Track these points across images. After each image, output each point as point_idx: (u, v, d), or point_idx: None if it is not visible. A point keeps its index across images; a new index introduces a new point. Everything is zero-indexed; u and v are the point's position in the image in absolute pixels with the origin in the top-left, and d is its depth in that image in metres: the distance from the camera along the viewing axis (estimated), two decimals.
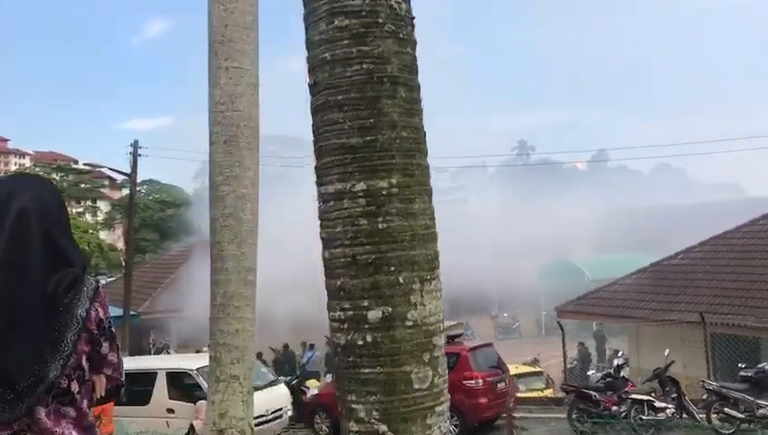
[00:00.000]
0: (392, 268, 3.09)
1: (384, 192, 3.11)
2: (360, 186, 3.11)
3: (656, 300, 19.40)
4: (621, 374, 13.28)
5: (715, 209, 31.10)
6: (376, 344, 3.08)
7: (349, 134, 3.14)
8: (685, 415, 12.38)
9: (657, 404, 12.16)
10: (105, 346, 1.93)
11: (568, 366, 22.27)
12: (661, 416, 12.17)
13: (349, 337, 3.14)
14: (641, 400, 12.19)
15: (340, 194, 3.17)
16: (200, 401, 10.72)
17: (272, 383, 13.28)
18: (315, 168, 3.32)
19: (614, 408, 12.66)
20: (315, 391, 15.77)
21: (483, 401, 13.36)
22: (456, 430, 13.39)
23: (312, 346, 22.20)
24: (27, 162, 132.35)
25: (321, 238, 3.29)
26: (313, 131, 3.32)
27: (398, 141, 3.15)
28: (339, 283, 3.19)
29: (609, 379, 13.30)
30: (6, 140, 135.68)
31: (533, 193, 39.39)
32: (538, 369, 19.36)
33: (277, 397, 12.98)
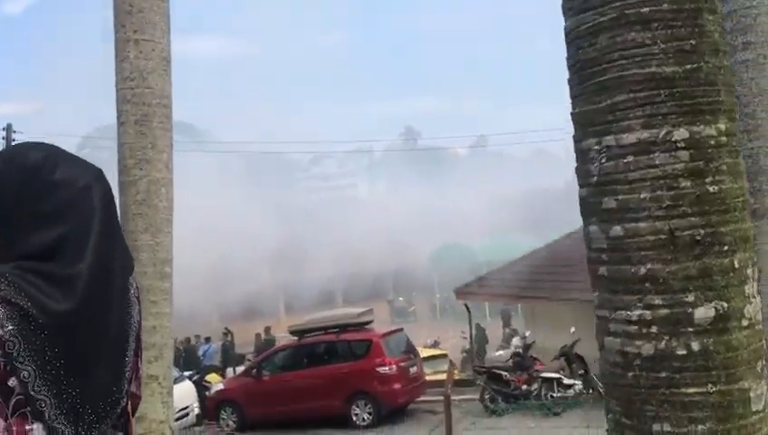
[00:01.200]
0: (725, 248, 2.35)
1: (712, 142, 2.37)
2: (681, 133, 2.35)
3: (552, 280, 20.00)
4: (529, 353, 13.56)
5: None
6: (706, 353, 2.33)
7: (661, 61, 2.37)
8: (591, 390, 12.80)
9: (566, 381, 12.51)
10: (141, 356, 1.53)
11: (467, 348, 22.75)
12: (570, 392, 12.53)
13: (660, 345, 2.36)
14: (550, 378, 12.50)
15: (647, 145, 2.38)
16: None
17: (176, 380, 12.52)
18: (579, 114, 2.56)
19: (524, 387, 12.92)
20: (219, 386, 15.12)
21: (397, 386, 13.27)
22: (372, 417, 13.24)
23: (207, 339, 21.40)
24: None
25: (604, 210, 2.46)
26: (590, 60, 2.50)
27: (722, 72, 2.44)
28: (642, 270, 2.38)
29: (518, 358, 13.57)
30: None
31: (420, 178, 39.93)
32: (442, 351, 19.54)
33: (183, 394, 12.30)
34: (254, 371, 14.73)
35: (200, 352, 21.21)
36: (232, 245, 25.23)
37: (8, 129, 20.65)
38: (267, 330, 22.26)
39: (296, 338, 14.80)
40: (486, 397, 12.94)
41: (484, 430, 12.00)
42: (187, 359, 20.26)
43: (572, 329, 13.57)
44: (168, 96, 6.99)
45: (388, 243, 30.98)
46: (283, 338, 22.69)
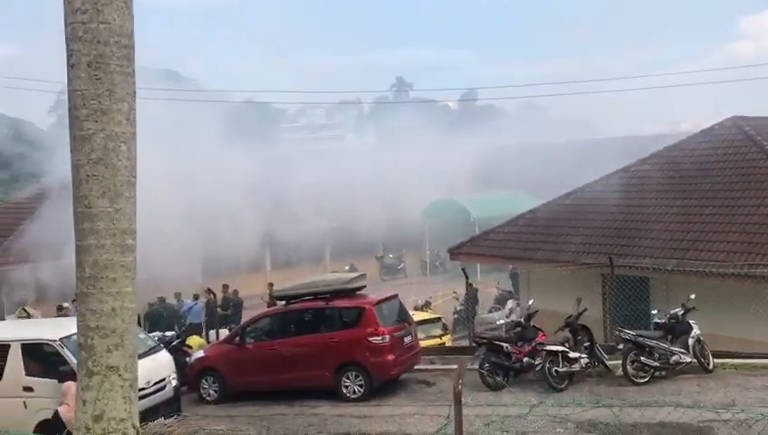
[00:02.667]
0: None
1: None
2: None
3: (550, 241, 19.16)
4: (532, 323, 12.71)
5: (582, 147, 31.48)
6: None
7: None
8: (597, 364, 12.01)
9: (572, 355, 11.69)
10: None
11: (458, 309, 21.96)
12: (576, 367, 11.74)
13: None
14: (555, 351, 11.67)
15: None
16: (68, 382, 8.96)
17: (152, 350, 11.61)
18: None
19: (526, 359, 12.10)
20: (200, 354, 14.19)
21: (390, 357, 12.39)
22: (362, 390, 12.41)
23: (196, 296, 20.47)
24: None
25: None
26: None
27: None
28: None
29: (519, 329, 12.72)
30: None
31: (410, 130, 38.72)
32: (435, 315, 18.72)
33: (159, 366, 11.35)
34: (237, 338, 13.80)
35: (184, 309, 20.28)
36: (215, 199, 24.06)
37: None
38: (225, 288, 21.29)
39: (282, 303, 13.85)
40: (485, 369, 12.11)
41: (483, 406, 11.16)
42: (168, 319, 19.33)
43: (578, 298, 12.71)
44: (128, 34, 5.82)
45: (378, 197, 29.94)
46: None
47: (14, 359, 10.60)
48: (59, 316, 17.66)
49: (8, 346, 10.71)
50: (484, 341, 12.59)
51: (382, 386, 12.66)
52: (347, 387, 12.51)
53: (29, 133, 35.84)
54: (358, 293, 13.48)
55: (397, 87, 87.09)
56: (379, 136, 62.46)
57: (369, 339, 12.37)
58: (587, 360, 11.85)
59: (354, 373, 12.45)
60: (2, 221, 26.83)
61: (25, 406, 10.33)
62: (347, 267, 29.83)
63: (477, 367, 12.19)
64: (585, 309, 12.66)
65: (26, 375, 10.46)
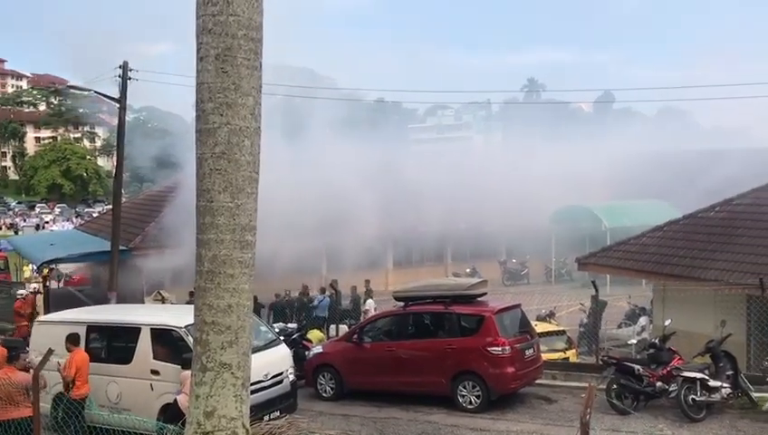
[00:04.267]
0: None
1: None
2: None
3: (691, 256, 17.72)
4: (667, 346, 11.72)
5: (731, 156, 29.08)
6: None
7: None
8: (741, 395, 10.89)
9: (712, 383, 10.65)
10: None
11: (584, 322, 20.84)
12: (716, 396, 10.69)
13: None
14: (693, 378, 10.67)
15: None
16: (185, 372, 9.14)
17: (271, 343, 11.71)
18: None
19: (659, 384, 11.16)
20: (319, 349, 14.27)
21: (510, 370, 11.83)
22: (479, 401, 11.94)
23: (323, 290, 20.74)
24: (24, 84, 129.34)
25: None
26: None
27: None
28: None
29: (652, 350, 11.76)
30: (3, 61, 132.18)
31: (541, 133, 37.42)
32: (560, 328, 17.81)
33: (277, 359, 11.43)
34: (355, 336, 13.73)
35: (315, 303, 20.61)
36: (342, 195, 24.30)
37: (124, 67, 20.39)
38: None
39: (401, 304, 13.62)
40: (613, 391, 11.29)
41: (609, 431, 10.43)
42: (296, 311, 19.76)
43: (721, 321, 11.60)
44: (256, 27, 5.74)
45: (504, 200, 29.12)
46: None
47: (144, 342, 11.01)
48: (190, 302, 18.42)
49: (139, 330, 11.15)
50: (614, 361, 11.75)
51: (500, 399, 12.13)
52: (463, 397, 12.08)
53: (175, 126, 37.98)
54: (478, 299, 13.01)
55: (528, 88, 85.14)
56: (507, 138, 61.33)
57: (489, 349, 11.86)
58: (729, 390, 10.76)
59: (471, 383, 11.99)
60: (147, 209, 28.51)
61: (152, 388, 10.69)
62: (468, 270, 29.26)
63: (604, 388, 11.40)
64: (730, 334, 11.52)
65: (153, 359, 10.83)
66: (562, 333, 17.07)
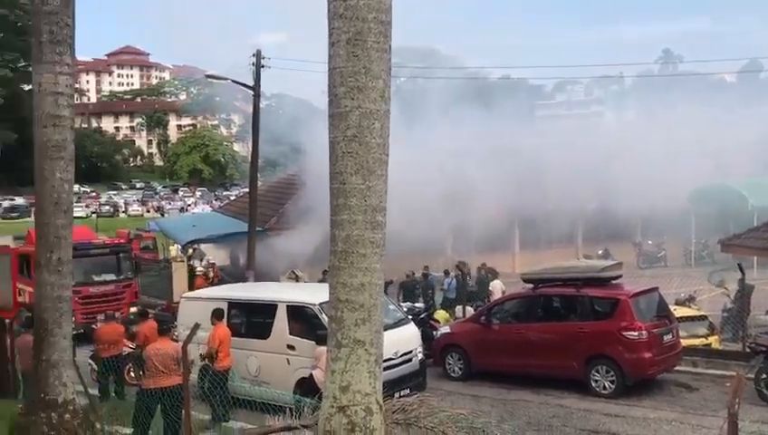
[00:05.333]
0: None
1: None
2: None
3: None
4: None
5: None
6: None
7: None
8: None
9: None
10: None
11: (728, 307, 19.58)
12: None
13: None
14: None
15: None
16: (321, 347, 9.50)
17: (400, 322, 11.93)
18: None
19: None
20: (446, 329, 14.36)
21: (646, 355, 11.38)
22: (613, 386, 11.58)
23: (447, 272, 20.85)
24: (167, 76, 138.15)
25: None
26: None
27: None
28: None
29: None
30: (148, 54, 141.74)
31: (678, 106, 35.17)
32: (701, 313, 16.84)
33: (407, 338, 11.63)
34: (483, 317, 13.68)
35: (445, 285, 20.75)
36: (467, 176, 24.13)
37: (258, 55, 21.25)
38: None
39: (530, 286, 13.41)
40: (762, 380, 10.58)
41: (759, 423, 9.78)
42: (423, 291, 19.97)
43: None
44: (386, 10, 5.78)
45: (639, 179, 27.73)
46: None
47: (281, 318, 11.53)
48: (322, 281, 19.06)
49: (276, 306, 11.68)
50: (764, 348, 10.99)
51: (636, 385, 11.70)
52: (596, 381, 11.76)
53: (307, 111, 39.14)
54: (612, 282, 12.56)
55: (663, 59, 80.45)
56: (641, 112, 58.31)
57: (624, 333, 11.45)
58: None
59: (605, 368, 11.64)
60: (281, 192, 29.71)
61: (288, 363, 11.19)
62: (600, 252, 28.25)
63: (753, 377, 10.69)
64: None
65: (289, 334, 11.32)
66: (704, 318, 16.12)
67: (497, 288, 18.66)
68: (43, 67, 7.88)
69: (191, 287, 20.51)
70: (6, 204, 72.75)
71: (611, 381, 11.61)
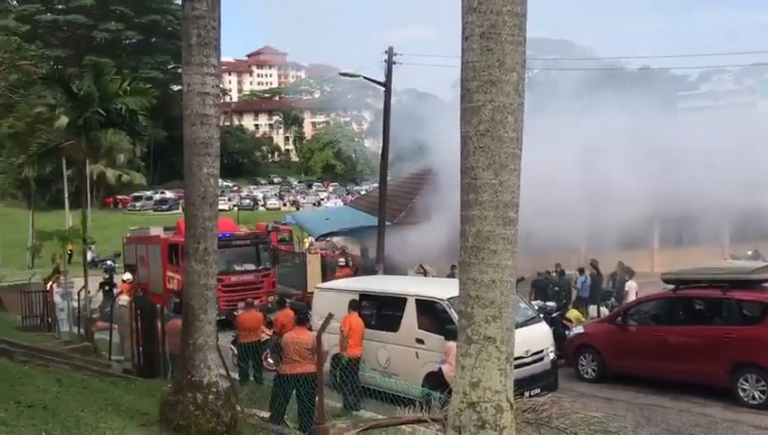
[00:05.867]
0: None
1: None
2: None
3: None
4: None
5: None
6: None
7: None
8: None
9: None
10: None
11: None
12: None
13: None
14: None
15: None
16: (450, 343, 9.50)
17: (531, 320, 11.71)
18: None
19: None
20: (580, 329, 13.92)
21: None
22: (764, 397, 10.78)
23: (581, 270, 20.24)
24: (302, 75, 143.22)
25: None
26: None
27: None
28: None
29: None
30: (285, 54, 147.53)
31: None
32: None
33: (538, 336, 11.39)
34: (619, 318, 13.14)
35: (578, 285, 20.19)
36: (603, 170, 23.20)
37: (390, 52, 21.53)
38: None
39: (671, 288, 12.72)
40: None
41: None
42: (556, 290, 19.48)
43: None
44: (521, 2, 5.67)
45: None
46: None
47: (410, 312, 11.65)
48: (451, 275, 19.06)
49: (406, 300, 11.82)
50: None
51: None
52: (744, 391, 10.98)
53: (430, 105, 39.24)
54: (762, 285, 11.66)
55: None
56: None
57: None
58: None
59: (755, 377, 10.84)
60: (410, 186, 30.01)
61: (417, 356, 11.29)
62: (749, 253, 26.27)
63: None
64: None
65: (419, 328, 11.41)
66: None
67: (632, 288, 17.88)
68: (191, 69, 8.36)
69: (329, 277, 21.13)
70: (157, 197, 78.30)
71: (762, 392, 10.80)
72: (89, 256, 25.71)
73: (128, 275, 19.50)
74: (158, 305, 13.81)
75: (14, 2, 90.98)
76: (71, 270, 22.19)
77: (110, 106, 19.44)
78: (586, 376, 13.17)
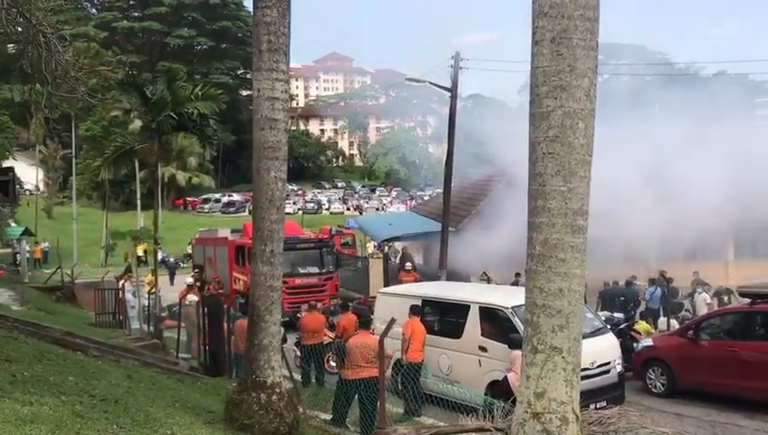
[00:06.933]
0: None
1: None
2: None
3: None
4: None
5: None
6: None
7: None
8: None
9: None
10: None
11: None
12: None
13: None
14: None
15: None
16: (516, 351, 9.36)
17: (598, 331, 11.43)
18: None
19: None
20: (648, 342, 13.51)
21: None
22: None
23: (652, 281, 19.67)
24: (368, 80, 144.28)
25: None
26: None
27: None
28: None
29: None
30: (351, 60, 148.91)
31: None
32: None
33: (605, 348, 11.12)
34: (691, 332, 12.69)
35: (647, 296, 19.65)
36: (675, 178, 22.48)
37: (456, 57, 21.45)
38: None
39: (747, 301, 12.22)
40: None
41: None
42: (625, 301, 18.98)
43: None
44: (593, 6, 5.57)
45: None
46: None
47: (473, 319, 11.55)
48: (515, 283, 18.82)
49: (469, 307, 11.72)
50: None
51: None
52: None
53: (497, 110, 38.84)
54: None
55: None
56: None
57: None
58: None
59: None
60: (474, 193, 29.77)
61: (480, 364, 11.18)
62: None
63: None
64: None
65: (482, 336, 11.30)
66: None
67: (702, 301, 17.24)
68: (261, 74, 8.50)
69: (392, 283, 21.15)
70: (225, 199, 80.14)
71: None
72: (159, 255, 26.50)
73: (189, 280, 19.88)
74: (225, 305, 14.11)
75: (93, 10, 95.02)
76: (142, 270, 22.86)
77: (181, 110, 20.03)
78: (654, 390, 12.77)
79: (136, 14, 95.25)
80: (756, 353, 11.44)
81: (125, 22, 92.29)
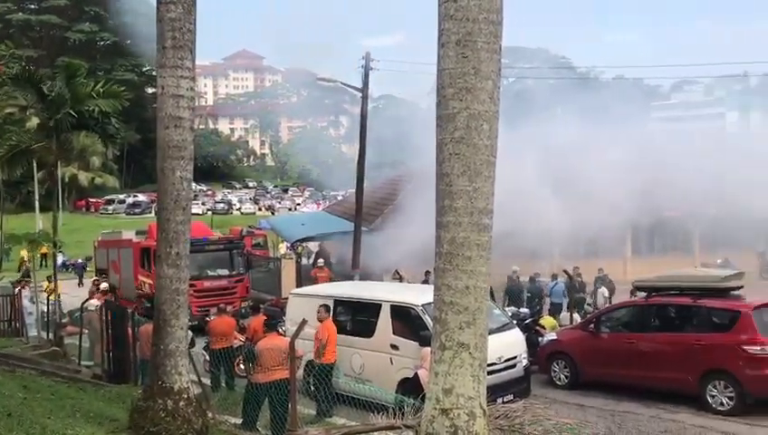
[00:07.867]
0: None
1: None
2: None
3: None
4: None
5: None
6: None
7: None
8: None
9: None
10: None
11: None
12: None
13: None
14: None
15: None
16: (426, 348, 9.48)
17: (504, 327, 11.75)
18: None
19: None
20: (552, 337, 14.01)
21: None
22: (732, 403, 10.93)
23: (554, 276, 20.36)
24: (279, 79, 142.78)
25: None
26: None
27: None
28: None
29: None
30: (262, 58, 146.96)
31: None
32: None
33: (511, 343, 11.44)
34: (592, 325, 13.26)
35: (547, 291, 20.31)
36: (580, 179, 23.42)
37: (367, 58, 21.54)
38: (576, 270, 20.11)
39: (643, 295, 12.87)
40: None
41: None
42: (529, 297, 19.57)
43: None
44: (497, 10, 5.71)
45: (763, 183, 25.99)
46: None
47: (385, 318, 11.62)
48: (425, 281, 19.08)
49: (380, 306, 11.79)
50: None
51: (759, 403, 10.97)
52: (713, 397, 11.14)
53: (407, 112, 39.25)
54: (732, 293, 11.85)
55: None
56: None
57: (745, 347, 10.79)
58: None
59: (723, 383, 11.00)
60: (385, 193, 29.99)
61: (391, 362, 11.27)
62: (719, 261, 26.73)
63: None
64: None
65: (393, 334, 11.39)
66: None
67: (600, 296, 18.04)
68: (166, 71, 8.26)
69: (305, 283, 21.01)
70: (130, 200, 77.43)
71: (730, 398, 10.97)
72: (59, 259, 25.31)
73: (104, 285, 19.13)
74: (129, 310, 13.63)
75: None
76: (40, 274, 21.80)
77: (82, 108, 19.17)
78: (559, 383, 13.25)
79: (32, 6, 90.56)
80: (651, 344, 12.07)
81: (20, 14, 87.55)
